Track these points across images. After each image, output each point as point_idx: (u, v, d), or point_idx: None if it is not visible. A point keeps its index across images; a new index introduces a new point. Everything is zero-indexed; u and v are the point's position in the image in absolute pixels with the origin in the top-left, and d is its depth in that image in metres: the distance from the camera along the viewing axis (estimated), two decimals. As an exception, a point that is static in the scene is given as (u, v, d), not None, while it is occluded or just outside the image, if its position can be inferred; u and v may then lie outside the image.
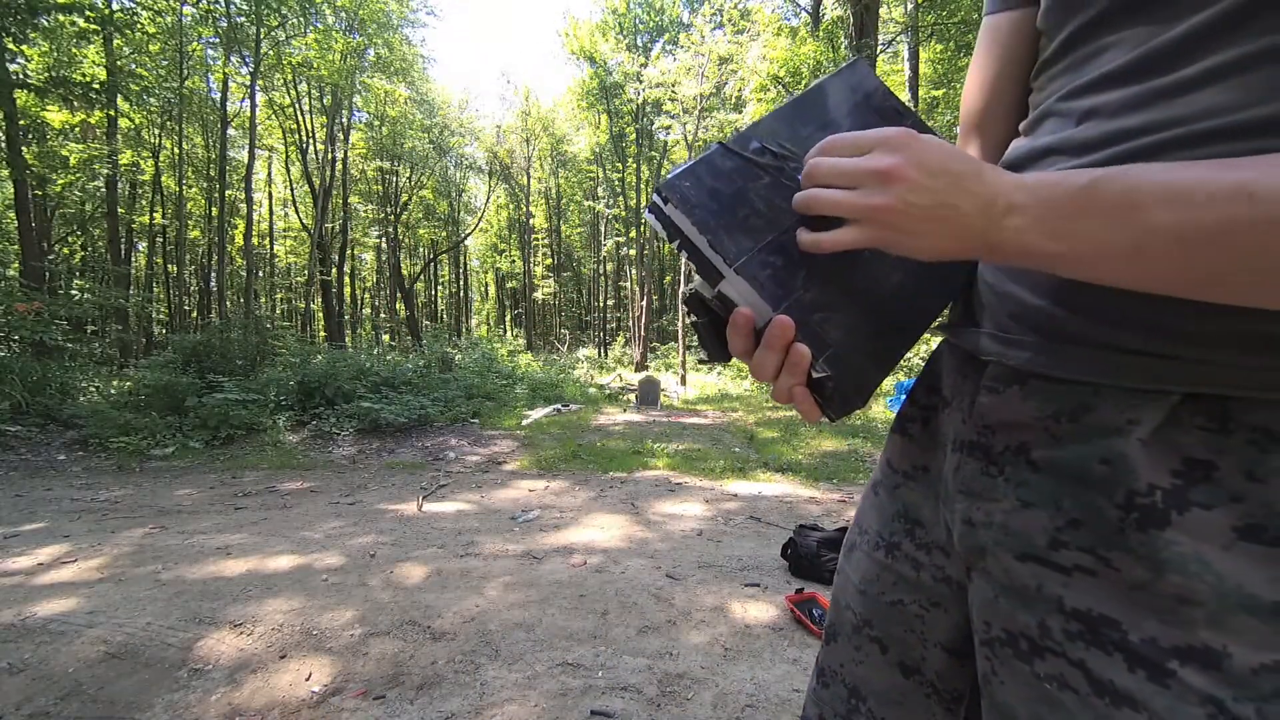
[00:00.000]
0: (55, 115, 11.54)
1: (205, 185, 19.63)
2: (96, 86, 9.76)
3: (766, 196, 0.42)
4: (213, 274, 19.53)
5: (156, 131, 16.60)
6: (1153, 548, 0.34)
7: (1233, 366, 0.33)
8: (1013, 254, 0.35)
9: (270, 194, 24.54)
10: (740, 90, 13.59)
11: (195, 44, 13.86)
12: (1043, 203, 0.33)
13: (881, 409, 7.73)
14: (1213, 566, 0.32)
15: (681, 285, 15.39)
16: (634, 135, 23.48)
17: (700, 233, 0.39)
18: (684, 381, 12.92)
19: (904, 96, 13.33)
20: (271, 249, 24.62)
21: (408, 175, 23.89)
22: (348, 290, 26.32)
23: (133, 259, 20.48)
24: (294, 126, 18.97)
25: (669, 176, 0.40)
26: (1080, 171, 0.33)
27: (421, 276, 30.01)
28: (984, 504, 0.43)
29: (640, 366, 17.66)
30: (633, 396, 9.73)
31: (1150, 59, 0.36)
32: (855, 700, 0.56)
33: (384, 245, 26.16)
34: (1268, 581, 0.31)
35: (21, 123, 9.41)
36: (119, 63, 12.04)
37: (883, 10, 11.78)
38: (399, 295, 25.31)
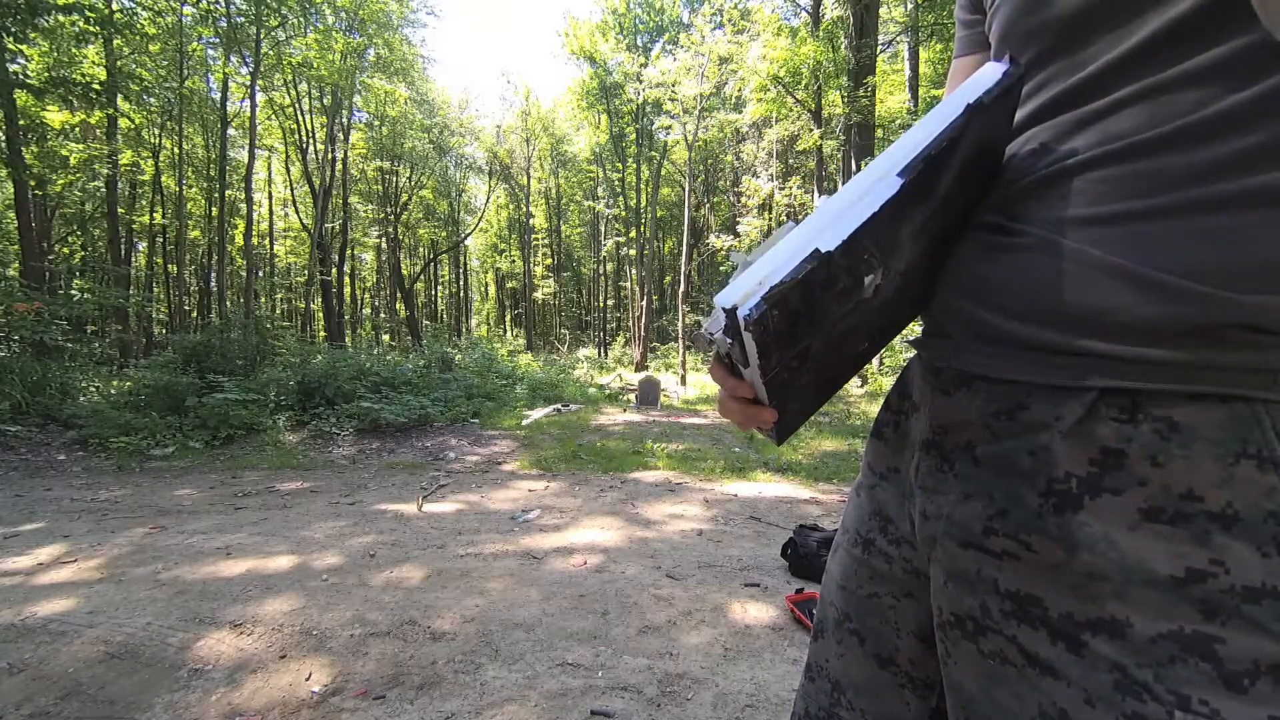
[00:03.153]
0: (55, 115, 11.51)
1: (205, 185, 19.61)
2: (96, 86, 9.76)
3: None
4: (213, 274, 19.53)
5: (156, 131, 16.59)
6: (1067, 530, 0.37)
7: (1141, 362, 0.36)
8: None
9: (270, 194, 24.52)
10: (740, 90, 13.60)
11: (195, 44, 13.85)
12: None
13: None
14: (1118, 545, 0.35)
15: (681, 285, 15.35)
16: (634, 135, 23.47)
17: (758, 354, 0.39)
18: (684, 381, 12.92)
19: (904, 96, 13.35)
20: (271, 249, 24.60)
21: (408, 175, 23.88)
22: (348, 290, 26.32)
23: (133, 259, 20.48)
24: (294, 126, 18.95)
25: (759, 303, 0.36)
26: None
27: (421, 276, 30.00)
28: (935, 497, 0.46)
29: (640, 366, 17.66)
30: (633, 396, 9.73)
31: (1070, 94, 0.42)
32: (837, 693, 0.59)
33: (384, 245, 26.16)
34: (1165, 557, 0.34)
35: (21, 123, 9.40)
36: (119, 63, 12.03)
37: (883, 10, 11.77)
38: (399, 295, 25.30)
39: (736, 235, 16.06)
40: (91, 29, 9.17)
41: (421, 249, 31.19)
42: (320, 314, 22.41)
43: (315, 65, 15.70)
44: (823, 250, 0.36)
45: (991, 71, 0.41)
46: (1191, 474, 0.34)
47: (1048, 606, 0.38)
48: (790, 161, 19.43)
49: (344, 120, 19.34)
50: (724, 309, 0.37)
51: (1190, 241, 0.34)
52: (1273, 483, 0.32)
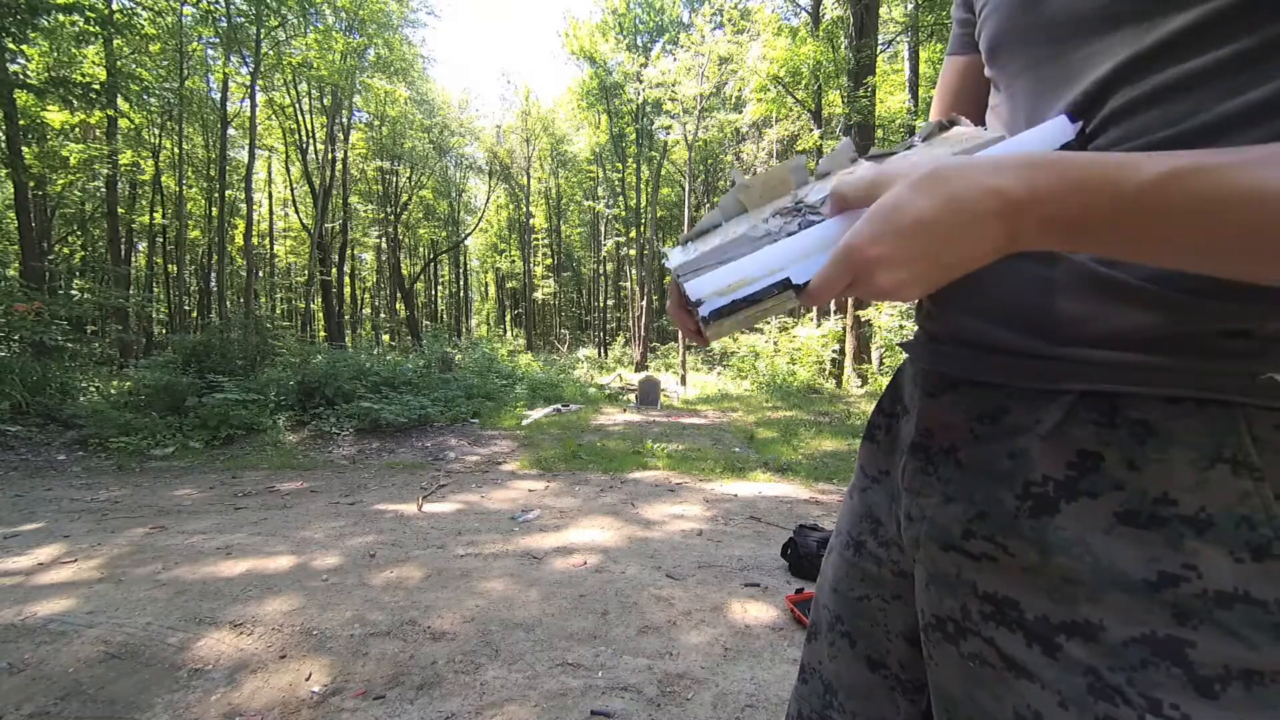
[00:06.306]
0: (55, 115, 11.52)
1: (205, 185, 19.61)
2: (96, 87, 9.74)
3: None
4: (213, 274, 19.53)
5: (156, 131, 16.59)
6: (1041, 533, 0.37)
7: (1120, 366, 0.36)
8: (1044, 248, 0.33)
9: (270, 194, 24.53)
10: (740, 90, 13.60)
11: (195, 44, 13.86)
12: (1088, 210, 0.30)
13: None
14: (1092, 548, 0.35)
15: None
16: (634, 135, 23.47)
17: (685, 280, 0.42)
18: (684, 381, 12.92)
19: (904, 96, 13.34)
20: (271, 249, 24.61)
21: (408, 175, 23.89)
22: (348, 290, 26.31)
23: (133, 259, 20.48)
24: (294, 126, 18.97)
25: (720, 308, 0.39)
26: (1137, 161, 0.29)
27: (421, 276, 30.00)
28: (919, 499, 0.47)
29: (640, 366, 17.66)
30: (632, 396, 9.73)
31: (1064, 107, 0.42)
32: (829, 695, 0.59)
33: (384, 245, 26.16)
34: (1138, 561, 0.34)
35: (21, 123, 9.40)
36: (119, 63, 12.03)
37: (883, 10, 11.77)
38: (399, 295, 25.31)
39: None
40: (91, 29, 9.17)
41: (421, 249, 31.20)
42: (320, 314, 22.41)
43: (315, 65, 15.70)
44: (794, 282, 0.38)
45: (1060, 129, 0.40)
46: (1166, 478, 0.34)
47: (1024, 609, 0.38)
48: (790, 161, 19.40)
49: (344, 120, 19.34)
50: (690, 299, 0.40)
51: None
52: (1246, 487, 0.32)
